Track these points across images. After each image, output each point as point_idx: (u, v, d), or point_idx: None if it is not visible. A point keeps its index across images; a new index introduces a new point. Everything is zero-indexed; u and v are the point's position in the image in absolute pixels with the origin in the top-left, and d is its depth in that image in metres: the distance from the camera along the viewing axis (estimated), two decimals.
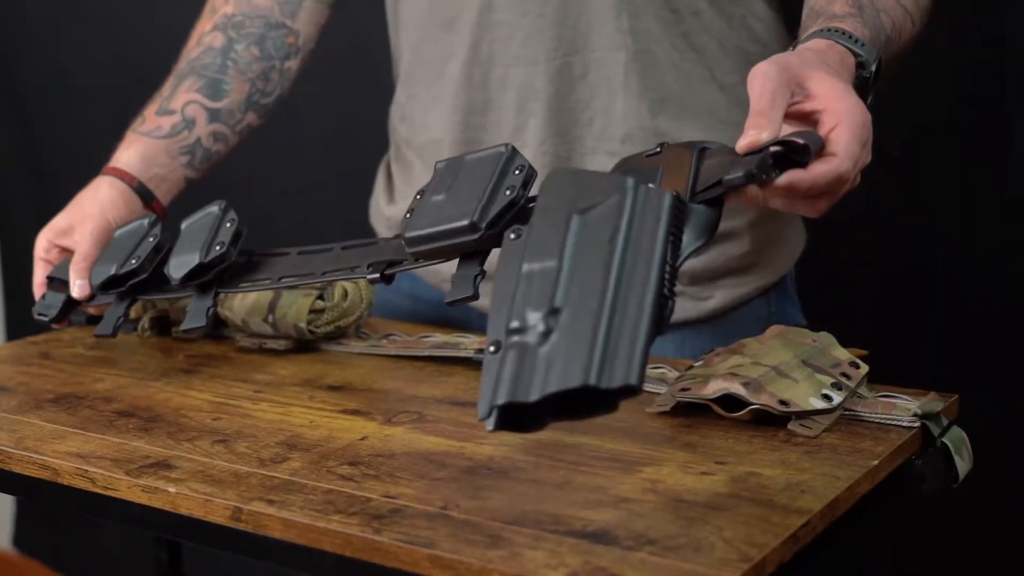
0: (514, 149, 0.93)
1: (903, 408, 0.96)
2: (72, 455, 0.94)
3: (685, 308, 1.24)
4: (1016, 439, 1.53)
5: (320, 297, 1.21)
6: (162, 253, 1.15)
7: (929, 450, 0.95)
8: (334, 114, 2.03)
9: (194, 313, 1.10)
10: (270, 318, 1.20)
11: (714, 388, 0.96)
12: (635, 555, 0.74)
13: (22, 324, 2.34)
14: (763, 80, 0.87)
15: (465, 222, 0.89)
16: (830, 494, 0.82)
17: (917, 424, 0.95)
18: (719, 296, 1.25)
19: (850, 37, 0.98)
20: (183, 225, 1.15)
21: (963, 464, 0.96)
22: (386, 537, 0.77)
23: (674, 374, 1.06)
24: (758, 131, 0.85)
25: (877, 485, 0.89)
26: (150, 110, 1.31)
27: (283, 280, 1.08)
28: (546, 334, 0.72)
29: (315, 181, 2.09)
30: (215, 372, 1.16)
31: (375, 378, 1.13)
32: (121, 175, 1.26)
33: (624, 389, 0.69)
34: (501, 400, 0.71)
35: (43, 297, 1.24)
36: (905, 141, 1.55)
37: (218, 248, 1.09)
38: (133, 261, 1.14)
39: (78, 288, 1.19)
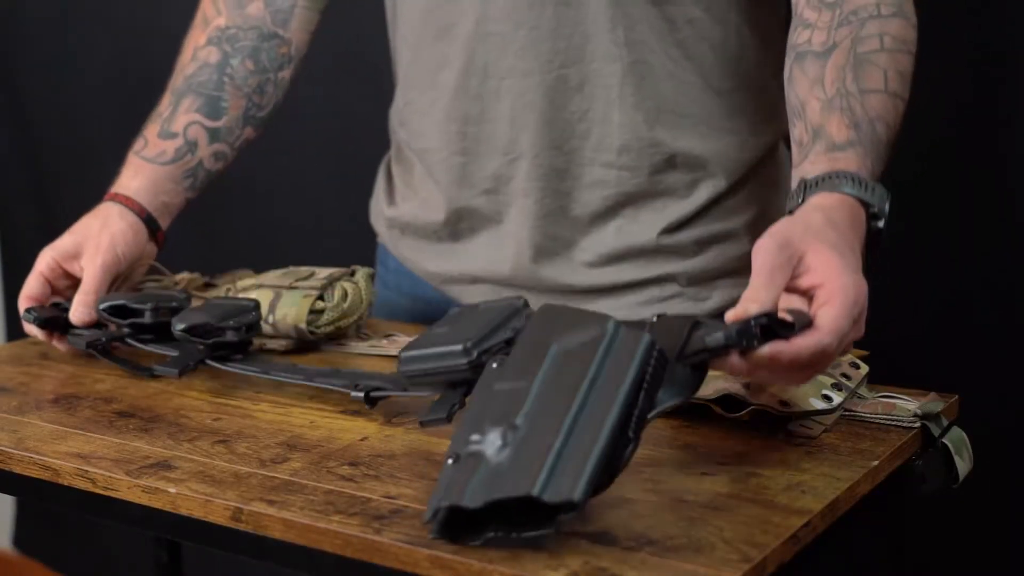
0: (526, 303, 0.98)
1: (903, 408, 0.96)
2: (72, 455, 0.94)
3: (684, 308, 1.24)
4: (1016, 439, 1.53)
5: (320, 298, 1.21)
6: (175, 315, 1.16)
7: (929, 450, 0.95)
8: (334, 115, 2.03)
9: (175, 361, 1.12)
10: (270, 319, 1.20)
11: (714, 389, 0.96)
12: (635, 555, 0.74)
13: (18, 326, 2.33)
14: (764, 255, 0.87)
15: (459, 347, 0.92)
16: (830, 494, 0.82)
17: (917, 425, 0.95)
18: (717, 297, 1.25)
19: (859, 183, 0.95)
20: (209, 300, 1.18)
21: (963, 464, 0.96)
22: (386, 537, 0.77)
23: None
24: (749, 303, 0.84)
25: (877, 485, 0.89)
26: (151, 132, 1.31)
27: (272, 373, 1.09)
28: (502, 448, 0.75)
29: (315, 182, 2.09)
30: (215, 372, 1.16)
31: None
32: (132, 205, 1.26)
33: (565, 505, 0.72)
34: (445, 503, 0.74)
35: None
36: (904, 142, 1.55)
37: (231, 323, 1.11)
38: (149, 304, 1.17)
39: (79, 314, 1.20)
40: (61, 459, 0.94)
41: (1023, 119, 1.50)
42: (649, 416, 0.80)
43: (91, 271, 1.22)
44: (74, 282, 1.24)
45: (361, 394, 1.01)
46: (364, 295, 1.23)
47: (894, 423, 0.96)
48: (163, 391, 1.10)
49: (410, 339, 1.21)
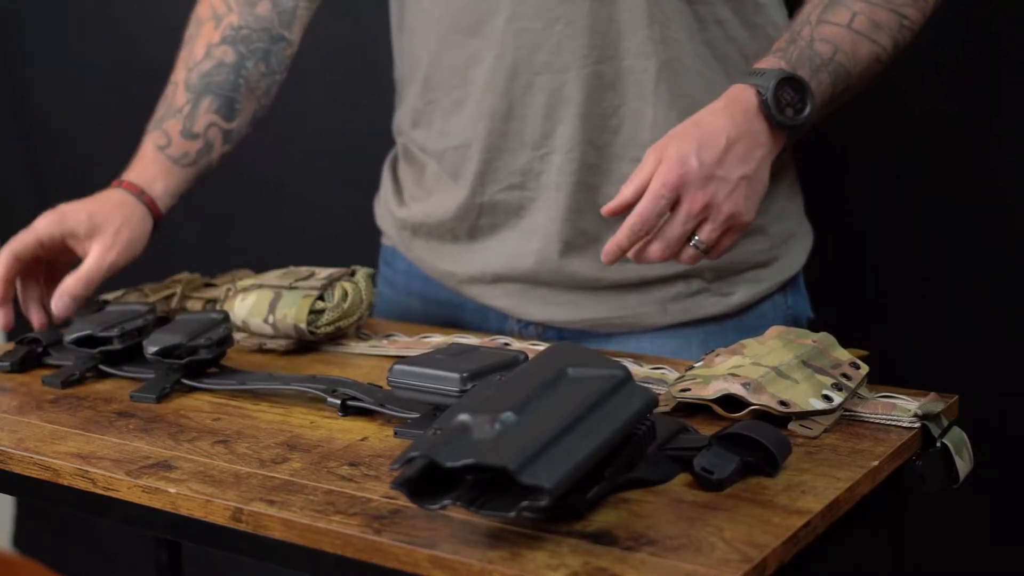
0: (527, 356, 1.00)
1: (903, 409, 0.96)
2: (72, 456, 0.95)
3: (710, 303, 1.25)
4: (1016, 439, 1.53)
5: (320, 298, 1.21)
6: (143, 336, 1.14)
7: (929, 451, 0.95)
8: (335, 115, 2.03)
9: (149, 386, 1.09)
10: (270, 319, 1.20)
11: (714, 389, 0.96)
12: (635, 555, 0.74)
13: (22, 324, 2.33)
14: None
15: (455, 375, 0.95)
16: (830, 495, 0.83)
17: (917, 425, 0.95)
18: (741, 292, 1.26)
19: (750, 74, 1.11)
20: (178, 316, 1.17)
21: (963, 465, 0.96)
22: (386, 537, 0.78)
23: (674, 374, 1.06)
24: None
25: (877, 486, 0.89)
26: (173, 129, 1.32)
27: (248, 384, 1.08)
28: (491, 429, 0.76)
29: (315, 182, 2.09)
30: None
31: (375, 378, 1.13)
32: (154, 211, 1.29)
33: (535, 491, 0.72)
34: (418, 453, 0.75)
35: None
36: (907, 141, 1.55)
37: (202, 341, 1.10)
38: (115, 330, 1.14)
39: (60, 306, 1.22)
40: (61, 459, 0.94)
41: (1023, 119, 1.50)
42: (622, 478, 0.82)
43: (97, 264, 1.22)
44: (67, 259, 1.25)
45: (338, 401, 1.02)
46: (364, 295, 1.23)
47: (894, 423, 0.95)
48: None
49: (409, 339, 1.22)
